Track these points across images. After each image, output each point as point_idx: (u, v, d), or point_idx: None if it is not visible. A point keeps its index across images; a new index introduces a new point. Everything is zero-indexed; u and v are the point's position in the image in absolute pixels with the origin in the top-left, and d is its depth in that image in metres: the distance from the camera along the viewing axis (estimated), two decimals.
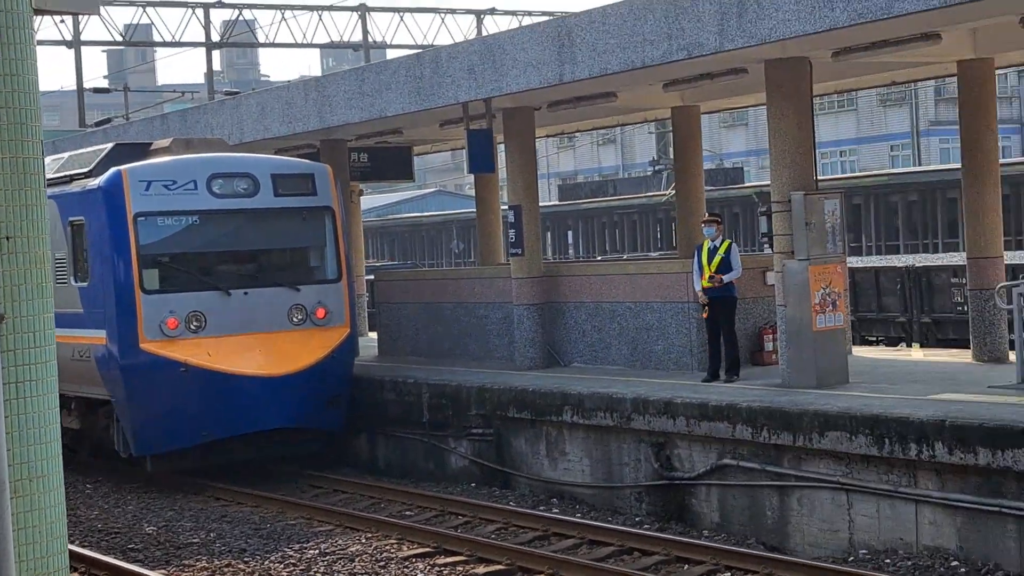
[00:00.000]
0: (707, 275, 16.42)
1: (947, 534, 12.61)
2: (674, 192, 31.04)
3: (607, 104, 19.13)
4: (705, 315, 16.64)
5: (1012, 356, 15.45)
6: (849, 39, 14.79)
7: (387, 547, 14.47)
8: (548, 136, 27.21)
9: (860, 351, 19.95)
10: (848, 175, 51.17)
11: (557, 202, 56.44)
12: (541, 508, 16.31)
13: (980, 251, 17.03)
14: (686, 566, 13.13)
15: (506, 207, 21.17)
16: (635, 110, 22.18)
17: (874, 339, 26.10)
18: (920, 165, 58.13)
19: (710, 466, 14.99)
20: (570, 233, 51.49)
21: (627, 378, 17.42)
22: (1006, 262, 22.96)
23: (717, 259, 16.46)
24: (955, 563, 12.39)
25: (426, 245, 59.95)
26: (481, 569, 13.38)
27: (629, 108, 21.41)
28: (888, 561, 12.78)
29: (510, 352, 20.36)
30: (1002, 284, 15.97)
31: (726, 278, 16.39)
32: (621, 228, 49.10)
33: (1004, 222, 34.65)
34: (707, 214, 17.80)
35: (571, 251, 51.09)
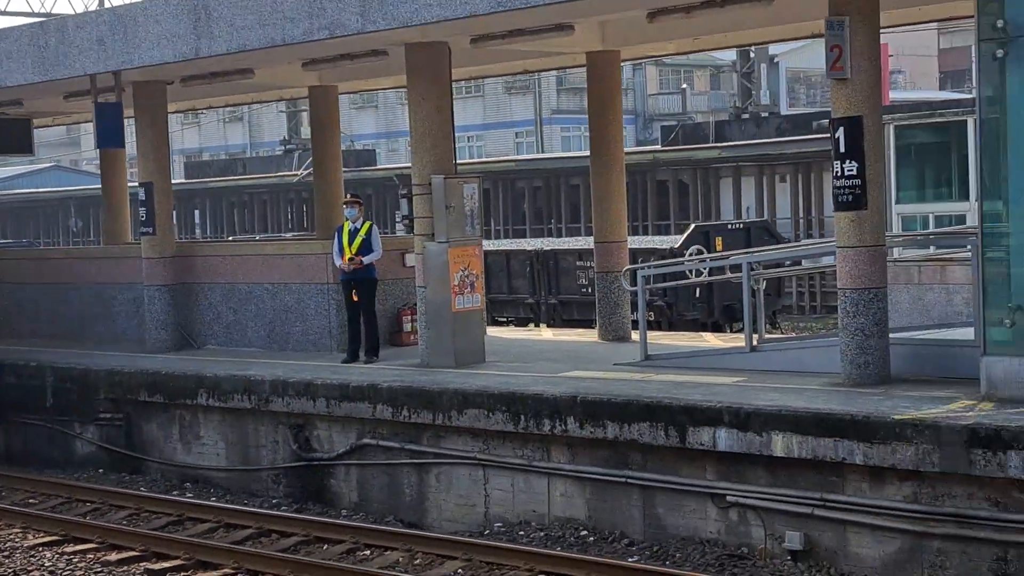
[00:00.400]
0: (348, 256, 16.43)
1: (577, 505, 13.15)
2: (308, 172, 30.87)
3: (243, 81, 18.82)
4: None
5: (635, 335, 16.25)
6: (488, 26, 15.13)
7: (11, 536, 13.81)
8: (177, 112, 26.49)
9: (493, 331, 20.46)
10: (476, 160, 52.37)
11: (184, 180, 55.04)
12: (175, 493, 15.94)
13: (606, 236, 17.78)
14: (325, 546, 13.14)
15: (134, 184, 20.50)
16: (272, 88, 21.92)
17: (504, 320, 26.89)
18: (543, 152, 60.18)
19: (350, 446, 15.04)
20: (197, 212, 50.36)
21: (265, 360, 17.23)
22: (629, 246, 24.14)
23: (358, 240, 16.50)
24: (584, 532, 12.94)
25: (42, 223, 57.22)
26: (113, 556, 12.95)
27: (265, 86, 21.14)
28: (522, 533, 13.21)
29: (140, 334, 19.73)
30: (627, 267, 16.75)
31: (367, 259, 16.45)
32: (251, 208, 48.45)
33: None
34: (348, 195, 17.80)
35: (198, 231, 49.99)
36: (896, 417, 11.02)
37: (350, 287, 16.57)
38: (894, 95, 55.53)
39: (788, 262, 21.19)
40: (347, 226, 16.68)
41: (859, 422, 11.16)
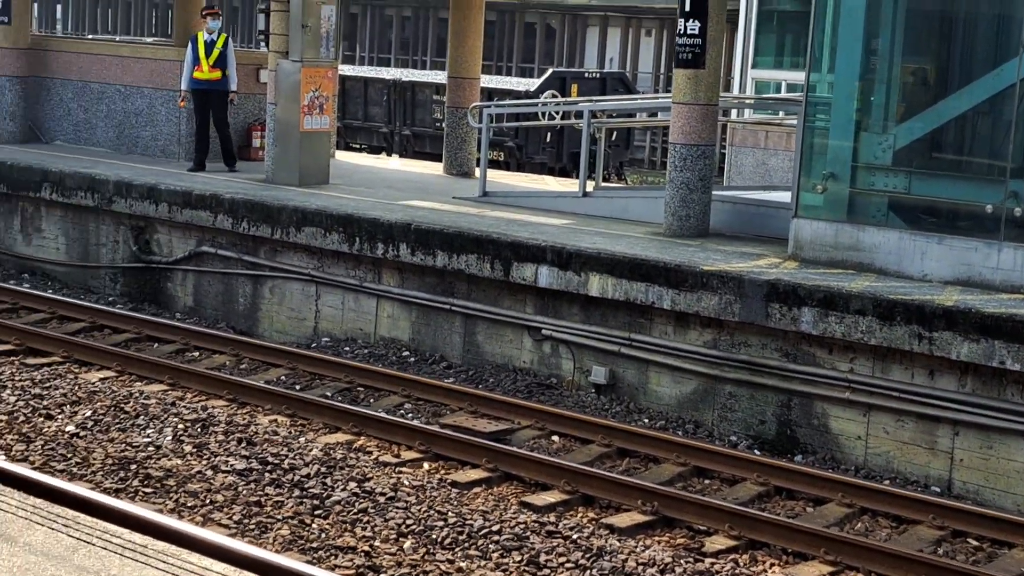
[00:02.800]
0: (206, 67, 16.57)
1: (403, 327, 13.73)
2: None
3: None
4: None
5: (478, 172, 16.72)
6: None
7: None
8: None
9: (344, 156, 20.76)
10: None
11: None
12: (11, 282, 16.10)
13: (459, 71, 18.10)
14: (156, 344, 13.54)
15: None
16: None
17: (358, 146, 27.15)
18: None
19: (188, 252, 15.36)
20: (59, 7, 49.03)
21: (112, 160, 17.33)
22: (485, 85, 24.47)
23: (215, 53, 16.63)
24: (407, 353, 13.55)
25: None
26: None
27: None
28: (347, 349, 13.77)
29: None
30: (475, 104, 17.13)
31: (228, 72, 16.69)
32: (115, 8, 47.35)
33: (488, 48, 36.37)
34: (210, 6, 17.81)
35: (59, 27, 48.74)
36: (704, 268, 11.73)
37: (203, 96, 16.72)
38: None
39: (641, 115, 21.79)
40: (202, 37, 16.75)
41: (670, 269, 11.85)
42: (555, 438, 11.20)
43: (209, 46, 16.67)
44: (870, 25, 11.90)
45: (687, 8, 13.11)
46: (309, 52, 15.97)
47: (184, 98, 16.83)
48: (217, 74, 16.69)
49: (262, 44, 32.69)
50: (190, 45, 16.87)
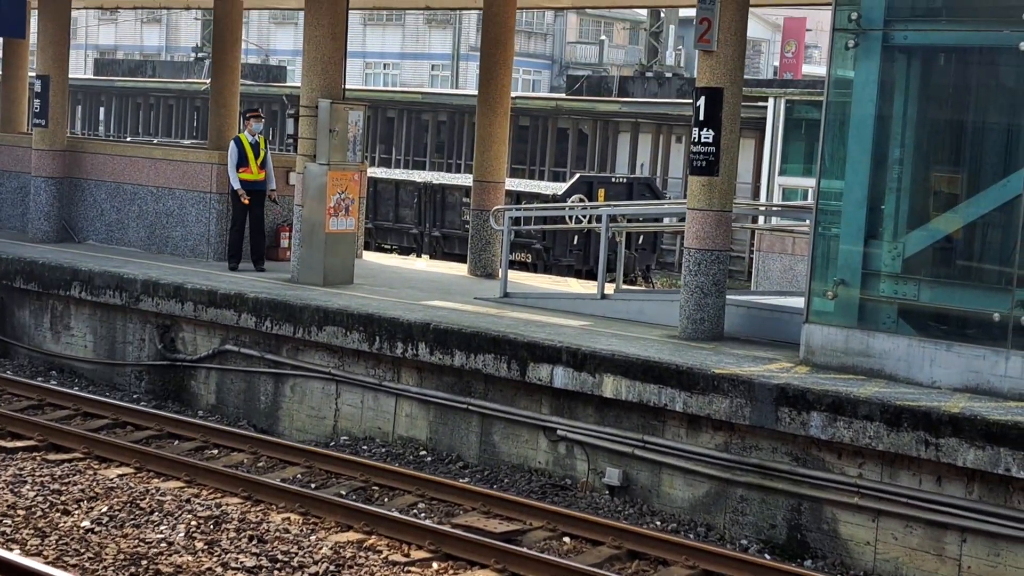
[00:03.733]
0: (254, 168, 17.11)
1: (420, 426, 13.87)
2: None
3: None
4: (247, 201, 17.23)
5: (501, 272, 16.94)
6: None
7: None
8: (88, 8, 26.53)
9: (371, 256, 21.06)
10: (387, 88, 52.61)
11: (92, 76, 54.59)
12: (39, 379, 16.38)
13: (484, 175, 18.42)
14: (176, 441, 13.74)
15: (33, 75, 20.71)
16: None
17: (389, 247, 27.50)
18: (457, 87, 60.48)
19: (212, 350, 15.61)
20: (102, 109, 50.06)
21: (141, 260, 17.69)
22: (514, 188, 24.83)
23: (262, 154, 17.19)
24: (423, 452, 13.68)
25: None
26: None
27: None
28: (366, 448, 13.91)
29: (24, 223, 20.09)
30: (497, 207, 17.42)
31: (268, 172, 17.26)
32: (157, 111, 48.29)
33: (521, 152, 36.85)
34: (254, 110, 18.25)
35: (102, 128, 49.73)
36: (716, 371, 11.85)
37: (248, 196, 17.19)
38: (808, 69, 56.64)
39: (673, 219, 21.98)
40: (246, 139, 17.25)
41: (683, 372, 11.98)
42: (566, 539, 11.26)
43: (255, 147, 17.18)
44: (879, 134, 12.11)
45: (701, 118, 13.38)
46: (336, 155, 16.33)
47: (243, 195, 17.17)
48: (263, 175, 17.26)
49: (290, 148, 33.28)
50: (234, 146, 17.30)
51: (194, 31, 66.70)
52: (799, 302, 13.74)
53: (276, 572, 9.42)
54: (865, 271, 12.13)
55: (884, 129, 12.17)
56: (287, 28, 70.64)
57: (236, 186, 17.17)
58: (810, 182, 26.25)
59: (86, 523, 10.24)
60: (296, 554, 9.84)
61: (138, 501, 10.89)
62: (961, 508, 10.48)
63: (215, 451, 13.49)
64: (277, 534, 10.34)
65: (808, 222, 21.68)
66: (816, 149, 27.13)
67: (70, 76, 20.41)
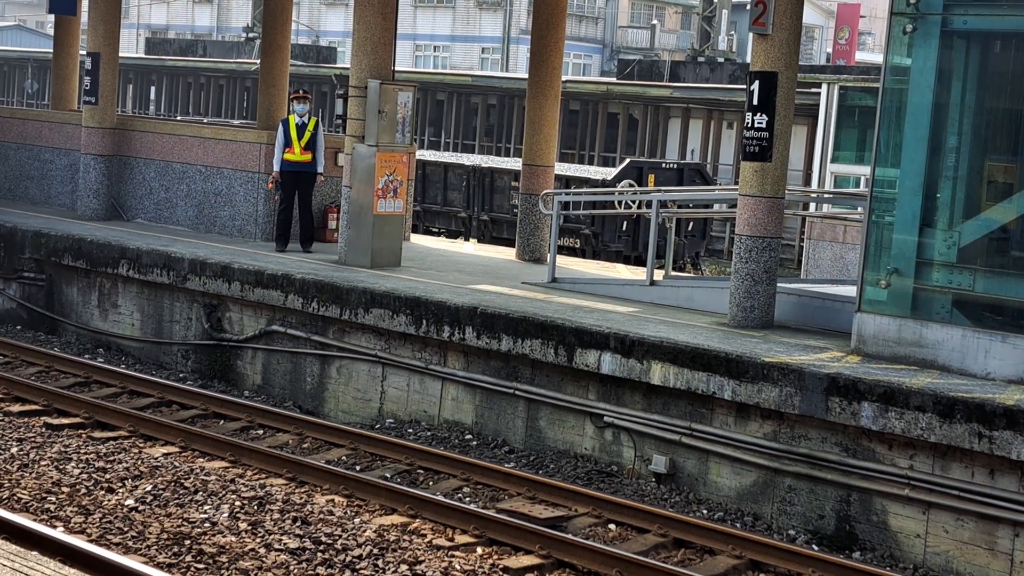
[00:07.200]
0: (298, 149, 17.03)
1: (466, 410, 13.80)
2: None
3: None
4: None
5: (549, 257, 16.82)
6: None
7: None
8: None
9: (419, 239, 21.00)
10: (438, 71, 52.50)
11: (143, 55, 54.84)
12: (86, 356, 16.44)
13: (534, 159, 18.29)
14: (222, 421, 13.73)
15: (84, 53, 20.77)
16: None
17: (437, 231, 27.43)
18: (507, 71, 60.33)
19: (259, 331, 15.59)
20: (153, 89, 50.29)
21: (189, 239, 17.71)
22: (563, 173, 24.70)
23: (307, 135, 17.10)
24: (469, 436, 13.61)
25: None
26: (16, 408, 13.46)
27: None
28: (411, 431, 13.85)
29: (73, 200, 20.17)
30: (546, 191, 17.29)
31: (317, 155, 17.17)
32: (207, 91, 48.45)
33: (571, 136, 36.67)
34: (300, 91, 18.26)
35: (152, 107, 49.96)
36: (766, 359, 11.69)
37: (294, 178, 17.15)
38: (861, 56, 56.12)
39: (723, 206, 21.78)
40: (293, 120, 17.18)
41: (732, 360, 11.83)
42: (612, 526, 11.16)
43: (300, 128, 17.12)
44: (936, 122, 11.89)
45: (755, 102, 13.19)
46: (385, 137, 16.25)
47: (274, 179, 17.18)
48: (308, 156, 17.16)
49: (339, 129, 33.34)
50: (281, 127, 17.27)
51: (245, 11, 66.88)
52: (851, 291, 13.56)
53: (319, 554, 9.37)
54: (919, 260, 11.92)
55: (941, 117, 11.94)
56: (338, 9, 70.69)
57: (276, 168, 17.15)
58: (862, 170, 25.94)
59: (130, 501, 10.23)
60: (339, 536, 9.79)
61: (182, 480, 10.87)
62: (1014, 502, 10.29)
63: (260, 432, 13.47)
64: (321, 516, 10.29)
65: (861, 210, 21.50)
66: (869, 136, 26.78)
67: (121, 55, 20.43)
